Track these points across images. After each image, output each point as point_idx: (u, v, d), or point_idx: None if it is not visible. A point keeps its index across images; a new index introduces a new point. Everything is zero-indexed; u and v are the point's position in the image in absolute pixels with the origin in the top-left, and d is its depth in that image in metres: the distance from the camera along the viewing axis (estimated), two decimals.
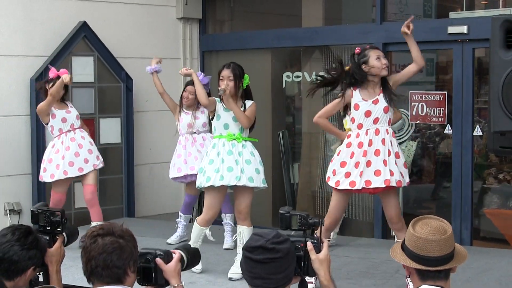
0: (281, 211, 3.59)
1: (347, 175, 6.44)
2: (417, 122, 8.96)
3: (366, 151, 6.41)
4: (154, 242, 7.71)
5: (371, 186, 6.40)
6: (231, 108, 6.85)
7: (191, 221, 10.00)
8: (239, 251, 6.94)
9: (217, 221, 8.06)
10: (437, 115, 8.63)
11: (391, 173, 6.36)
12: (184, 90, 8.35)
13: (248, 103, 6.99)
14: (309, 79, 9.89)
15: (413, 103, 8.79)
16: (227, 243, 8.17)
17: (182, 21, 10.71)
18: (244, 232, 6.94)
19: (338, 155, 6.57)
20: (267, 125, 10.69)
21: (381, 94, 6.48)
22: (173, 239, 8.42)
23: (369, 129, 6.45)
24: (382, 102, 6.46)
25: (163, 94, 8.44)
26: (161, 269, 3.56)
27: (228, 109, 6.88)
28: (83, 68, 9.60)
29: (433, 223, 3.55)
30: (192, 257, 3.79)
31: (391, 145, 6.44)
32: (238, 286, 6.70)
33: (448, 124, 8.55)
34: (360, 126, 6.47)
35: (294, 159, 10.62)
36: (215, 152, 6.95)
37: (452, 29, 8.36)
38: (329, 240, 6.46)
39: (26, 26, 9.25)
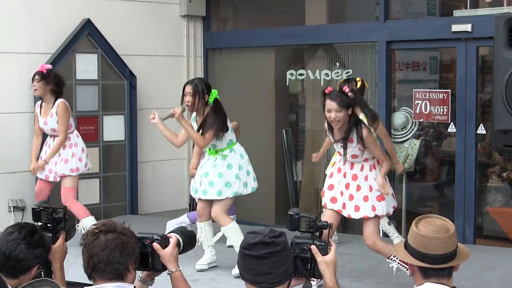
0: (290, 212, 3.59)
1: (333, 200, 6.54)
2: (421, 120, 8.96)
3: (349, 184, 6.46)
4: None
5: (352, 217, 6.51)
6: (185, 129, 6.99)
7: None
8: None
9: None
10: (441, 113, 8.62)
11: (356, 209, 6.42)
12: None
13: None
14: (312, 77, 9.88)
15: (416, 101, 8.79)
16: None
17: (186, 18, 10.71)
18: (225, 233, 7.18)
19: (330, 177, 6.66)
20: (270, 123, 10.69)
21: (354, 135, 6.35)
22: None
23: (352, 162, 6.48)
24: (355, 144, 6.38)
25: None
26: (158, 254, 3.58)
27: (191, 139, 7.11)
28: (87, 65, 9.60)
29: (435, 222, 3.56)
30: (188, 240, 3.79)
31: (365, 180, 6.45)
32: (241, 283, 6.70)
33: (452, 123, 8.54)
34: (340, 154, 6.54)
35: (298, 157, 10.62)
36: (200, 165, 7.41)
37: (456, 27, 8.35)
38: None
39: (30, 23, 9.26)
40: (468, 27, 8.24)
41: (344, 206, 6.48)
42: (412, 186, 9.74)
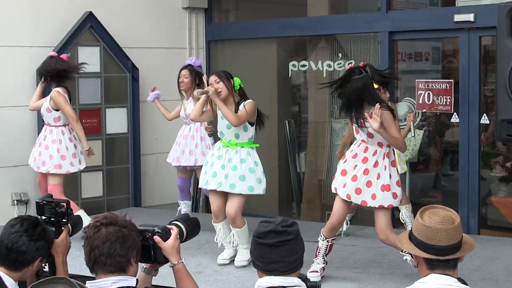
0: None
1: (344, 185, 6.35)
2: (424, 110, 8.94)
3: (368, 169, 6.28)
4: None
5: (368, 205, 6.33)
6: (219, 107, 6.90)
7: (197, 208, 10.05)
8: (239, 248, 7.11)
9: None
10: (444, 103, 8.60)
11: (373, 197, 6.24)
12: (178, 77, 8.42)
13: (245, 102, 6.95)
14: (314, 68, 9.87)
15: (419, 92, 8.77)
16: None
17: (188, 10, 10.69)
18: (237, 234, 7.04)
19: (344, 162, 6.48)
20: (273, 115, 10.65)
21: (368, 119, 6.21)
22: None
23: (366, 146, 6.32)
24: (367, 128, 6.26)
25: (171, 115, 8.81)
26: (160, 247, 3.58)
27: (224, 116, 6.94)
28: (89, 58, 9.56)
29: (440, 213, 3.55)
30: (192, 227, 3.81)
31: (385, 169, 6.27)
32: (245, 275, 6.70)
33: (455, 113, 8.53)
34: (362, 140, 6.37)
35: (300, 148, 10.61)
36: (211, 154, 7.17)
37: (458, 17, 8.33)
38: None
39: (32, 16, 9.24)
40: (470, 17, 8.23)
41: (358, 191, 6.27)
42: (416, 177, 9.73)
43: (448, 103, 8.58)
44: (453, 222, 3.51)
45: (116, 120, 9.91)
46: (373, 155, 6.29)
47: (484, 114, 8.34)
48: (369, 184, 6.26)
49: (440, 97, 8.62)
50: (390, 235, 6.22)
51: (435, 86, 8.71)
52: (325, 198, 9.89)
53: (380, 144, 6.28)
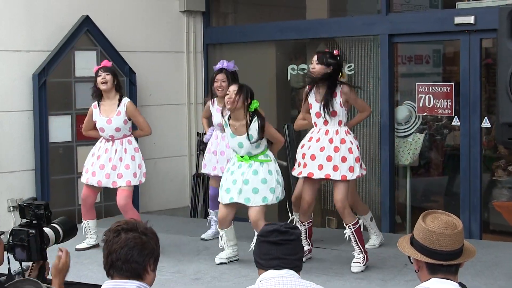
0: None
1: (299, 164, 7.16)
2: (424, 114, 8.90)
3: (311, 146, 7.03)
4: (159, 237, 7.64)
5: (313, 177, 7.03)
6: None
7: (195, 214, 9.97)
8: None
9: None
10: (445, 106, 8.57)
11: (335, 168, 6.90)
12: (214, 81, 8.21)
13: (266, 125, 7.07)
14: None
15: (420, 95, 8.73)
16: None
17: (186, 14, 10.65)
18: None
19: (301, 148, 7.22)
20: (272, 118, 10.61)
21: (339, 88, 6.97)
22: (208, 234, 8.43)
23: (320, 129, 7.06)
24: (338, 99, 6.94)
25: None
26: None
27: (234, 134, 7.06)
28: (86, 62, 9.53)
29: (442, 218, 3.57)
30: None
31: (341, 143, 6.94)
32: (244, 281, 6.64)
33: (456, 116, 8.49)
34: (315, 124, 7.11)
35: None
36: (227, 169, 7.29)
37: (459, 20, 8.29)
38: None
39: (28, 20, 9.19)
40: (471, 19, 8.19)
41: (305, 165, 7.04)
42: (417, 181, 9.67)
43: (449, 106, 8.55)
44: (456, 228, 3.52)
45: None
46: (336, 134, 6.96)
47: (486, 117, 8.29)
48: (329, 158, 6.92)
49: (441, 100, 8.58)
50: (347, 206, 7.01)
51: (436, 89, 8.67)
52: (325, 203, 9.85)
53: (340, 123, 6.98)
